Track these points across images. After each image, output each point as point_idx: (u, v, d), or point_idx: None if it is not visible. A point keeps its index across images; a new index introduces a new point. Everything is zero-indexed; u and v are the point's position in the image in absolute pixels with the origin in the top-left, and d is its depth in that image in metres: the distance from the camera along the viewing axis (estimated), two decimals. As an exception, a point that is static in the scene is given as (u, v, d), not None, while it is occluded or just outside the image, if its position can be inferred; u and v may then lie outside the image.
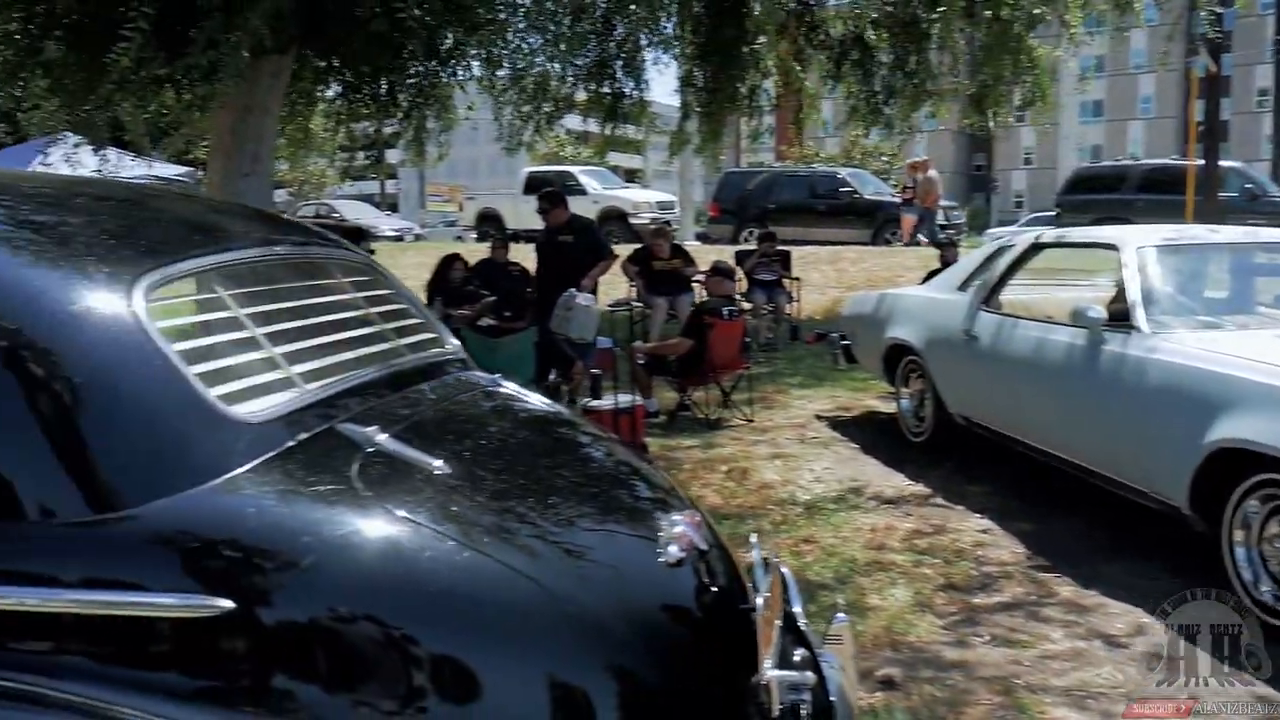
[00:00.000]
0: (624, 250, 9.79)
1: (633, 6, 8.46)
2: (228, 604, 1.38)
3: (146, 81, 6.82)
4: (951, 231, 17.26)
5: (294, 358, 1.82)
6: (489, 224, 20.83)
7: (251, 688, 1.41)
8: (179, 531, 1.46)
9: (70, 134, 8.70)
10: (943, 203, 18.99)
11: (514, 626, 1.47)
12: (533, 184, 20.75)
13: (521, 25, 8.94)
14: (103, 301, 1.58)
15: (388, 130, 10.65)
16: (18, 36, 7.15)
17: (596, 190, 20.77)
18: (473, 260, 8.64)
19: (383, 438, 1.71)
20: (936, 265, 9.24)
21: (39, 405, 1.50)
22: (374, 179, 30.42)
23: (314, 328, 1.96)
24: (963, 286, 5.64)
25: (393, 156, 19.80)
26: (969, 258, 6.52)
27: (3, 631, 1.42)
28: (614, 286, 11.99)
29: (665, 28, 9.34)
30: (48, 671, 1.40)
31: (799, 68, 10.33)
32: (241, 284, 1.88)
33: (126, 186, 3.13)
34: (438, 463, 1.69)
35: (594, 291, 7.18)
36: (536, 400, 2.40)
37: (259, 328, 1.80)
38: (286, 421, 1.67)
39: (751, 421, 6.62)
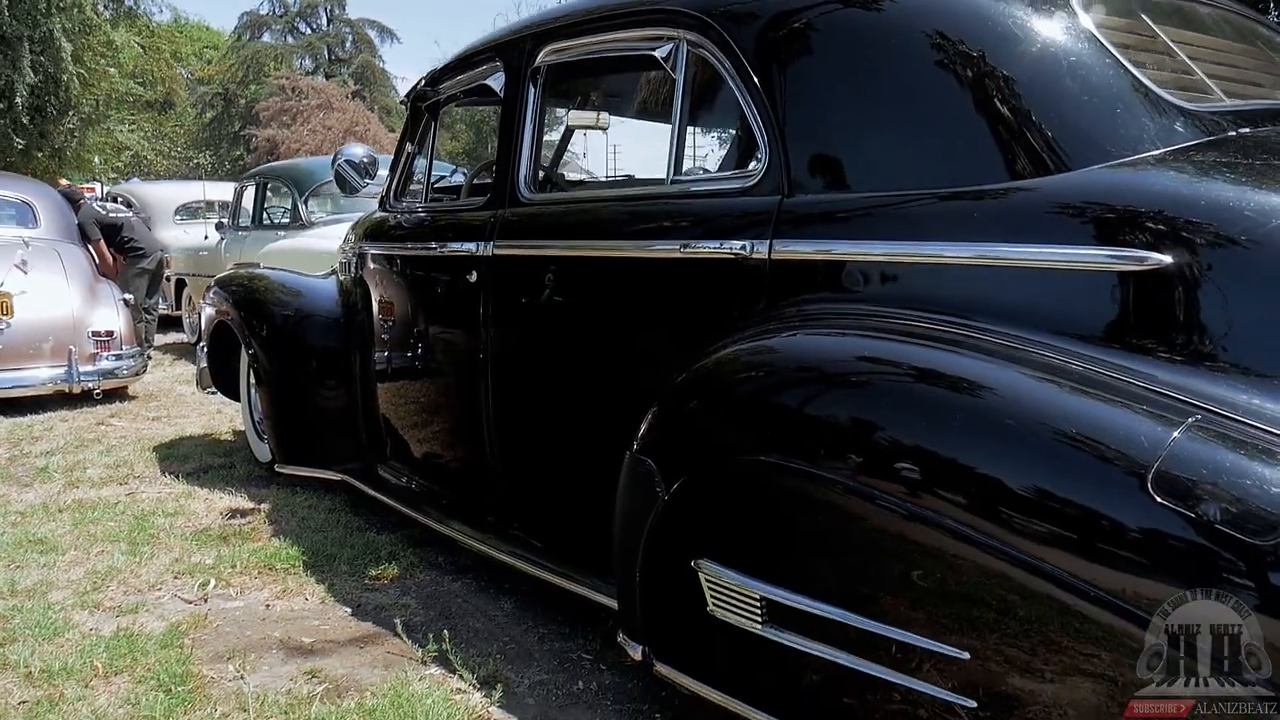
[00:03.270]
0: None
1: None
2: (1161, 258, 1.51)
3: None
4: None
5: (1211, 77, 2.01)
6: None
7: (1179, 339, 1.51)
8: (1118, 194, 1.65)
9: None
10: None
11: None
12: None
13: None
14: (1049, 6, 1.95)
15: None
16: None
17: None
18: None
19: None
20: None
21: (982, 85, 1.85)
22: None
23: (1236, 66, 2.12)
24: None
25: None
26: None
27: (957, 281, 1.78)
28: None
29: None
30: (986, 316, 1.69)
31: None
32: (1167, 19, 2.13)
33: None
34: None
35: None
36: None
37: (1181, 49, 2.03)
38: (1216, 116, 1.85)
39: None
